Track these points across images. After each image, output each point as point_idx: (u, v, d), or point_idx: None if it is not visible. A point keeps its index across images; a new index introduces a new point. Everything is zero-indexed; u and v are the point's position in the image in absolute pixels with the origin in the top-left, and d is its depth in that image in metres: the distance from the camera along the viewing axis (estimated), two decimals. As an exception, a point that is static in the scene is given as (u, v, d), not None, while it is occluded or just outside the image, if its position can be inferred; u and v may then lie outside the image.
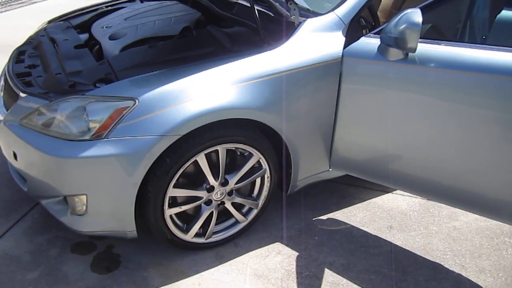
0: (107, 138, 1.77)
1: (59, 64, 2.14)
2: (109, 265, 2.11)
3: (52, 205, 2.00)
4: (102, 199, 1.86)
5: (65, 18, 2.86)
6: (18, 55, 2.45)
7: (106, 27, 2.48)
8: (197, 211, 2.11)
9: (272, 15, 2.24)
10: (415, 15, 1.85)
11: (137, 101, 1.79)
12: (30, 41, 2.64)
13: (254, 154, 2.07)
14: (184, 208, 2.02)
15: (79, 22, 2.71)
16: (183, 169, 1.91)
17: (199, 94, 1.85)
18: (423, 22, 1.91)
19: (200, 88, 1.86)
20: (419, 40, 1.93)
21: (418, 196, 2.45)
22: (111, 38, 2.33)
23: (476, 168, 1.95)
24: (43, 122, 1.87)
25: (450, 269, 2.17)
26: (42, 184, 1.94)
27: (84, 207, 1.88)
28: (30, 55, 2.43)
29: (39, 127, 1.88)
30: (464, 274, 2.14)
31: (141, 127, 1.77)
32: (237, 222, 2.24)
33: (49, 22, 2.85)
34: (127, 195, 1.84)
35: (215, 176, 2.03)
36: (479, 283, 2.09)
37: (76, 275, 2.04)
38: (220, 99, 1.87)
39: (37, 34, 2.70)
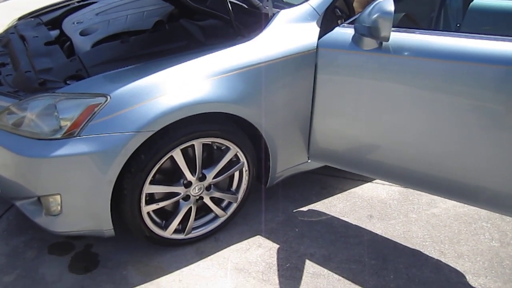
0: (79, 136, 1.74)
1: (29, 62, 2.09)
2: (88, 265, 2.08)
3: (27, 206, 1.95)
4: (77, 198, 1.82)
5: (36, 14, 2.79)
6: (-13, 54, 2.39)
7: (77, 23, 2.43)
8: (176, 207, 2.09)
9: (246, 6, 2.21)
10: (387, 4, 1.84)
11: (108, 97, 1.75)
12: (-1, 39, 2.57)
13: (231, 148, 2.06)
14: (161, 204, 2.00)
15: (50, 19, 2.65)
16: (159, 165, 1.89)
17: (173, 88, 1.82)
18: (397, 11, 1.91)
19: (173, 83, 1.83)
20: (393, 29, 1.93)
21: (397, 185, 2.47)
22: (82, 34, 2.28)
23: (452, 154, 1.97)
24: (13, 121, 1.82)
25: (430, 255, 2.19)
26: (15, 185, 1.89)
27: (59, 207, 1.85)
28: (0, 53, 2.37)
29: (9, 127, 1.83)
30: (443, 260, 2.16)
31: (114, 124, 1.74)
32: (216, 216, 2.23)
33: (19, 19, 2.78)
34: (102, 193, 1.81)
35: (192, 171, 2.01)
36: (458, 268, 2.11)
37: (54, 277, 2.01)
38: (194, 93, 1.84)
39: (6, 31, 2.63)
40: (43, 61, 2.05)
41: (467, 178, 1.98)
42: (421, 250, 2.22)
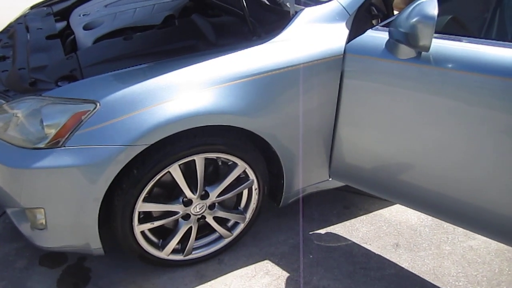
0: (64, 146, 1.54)
1: (26, 57, 1.91)
2: (78, 281, 1.91)
3: (15, 215, 1.80)
4: (62, 213, 1.64)
5: (49, 3, 2.62)
6: (-8, 44, 2.24)
7: (83, 15, 2.24)
8: (175, 224, 1.88)
9: (265, 2, 1.95)
10: (430, 6, 1.54)
11: (98, 104, 1.55)
12: (8, 29, 2.42)
13: (239, 164, 1.82)
14: (156, 224, 1.79)
15: (60, 9, 2.48)
16: (154, 181, 1.67)
17: (171, 97, 1.59)
18: (442, 13, 1.60)
19: (172, 90, 1.60)
20: (436, 35, 1.63)
21: (431, 216, 2.13)
22: (86, 27, 2.09)
23: (500, 185, 1.65)
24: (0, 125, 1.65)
25: (463, 299, 1.89)
26: (1, 192, 1.74)
27: (44, 221, 1.67)
28: (4, 45, 2.21)
29: (-5, 130, 1.67)
30: (478, 306, 1.86)
31: (103, 134, 1.54)
32: (221, 237, 2.00)
33: (32, 7, 2.62)
34: (88, 210, 1.62)
35: (193, 188, 1.79)
36: (496, 319, 1.81)
37: (40, 292, 1.86)
38: (195, 103, 1.61)
39: (16, 21, 2.48)
40: (40, 58, 1.87)
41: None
42: (453, 292, 1.92)
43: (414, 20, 1.55)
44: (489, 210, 1.71)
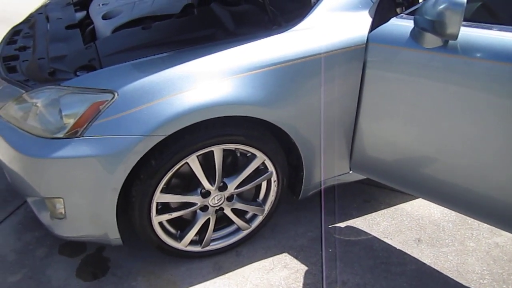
0: (83, 136, 1.54)
1: (46, 47, 1.92)
2: (96, 271, 1.92)
3: (35, 204, 1.81)
4: (80, 203, 1.64)
5: (71, -8, 2.62)
6: (13, 35, 2.25)
7: (102, 4, 2.23)
8: (193, 216, 1.87)
9: (286, -10, 1.91)
10: (459, -8, 1.46)
11: (116, 94, 1.53)
12: (29, 19, 2.43)
13: (258, 155, 1.79)
14: (174, 215, 1.78)
15: (81, -2, 2.48)
16: (172, 172, 1.66)
17: (190, 86, 1.57)
18: (471, 0, 1.53)
19: (190, 80, 1.58)
20: (464, 23, 1.56)
21: (456, 212, 2.06)
22: (105, 17, 2.08)
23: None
24: (17, 114, 1.66)
25: (488, 297, 1.83)
26: (22, 181, 1.75)
27: (63, 211, 1.68)
28: (24, 35, 2.22)
29: (14, 119, 1.67)
30: (504, 305, 1.80)
31: (120, 125, 1.53)
32: (239, 229, 1.99)
33: (52, -3, 2.63)
34: (106, 200, 1.62)
35: (212, 179, 1.77)
36: (522, 319, 1.75)
37: (60, 281, 1.87)
38: (214, 93, 1.58)
39: (37, 11, 2.49)
40: (59, 47, 1.87)
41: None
42: (477, 290, 1.86)
43: (442, 7, 1.48)
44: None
